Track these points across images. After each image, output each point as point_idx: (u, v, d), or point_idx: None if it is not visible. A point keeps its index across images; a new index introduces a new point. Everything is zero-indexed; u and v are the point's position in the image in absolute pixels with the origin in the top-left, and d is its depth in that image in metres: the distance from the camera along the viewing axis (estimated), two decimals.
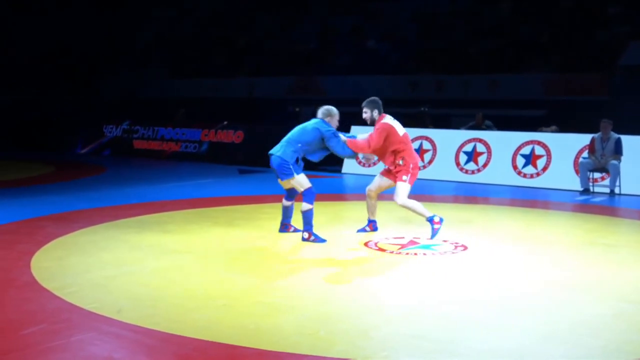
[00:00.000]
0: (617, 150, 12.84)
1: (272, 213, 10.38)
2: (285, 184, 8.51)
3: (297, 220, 8.88)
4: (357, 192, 13.03)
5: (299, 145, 8.43)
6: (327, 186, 14.45)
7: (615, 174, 12.76)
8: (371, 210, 9.04)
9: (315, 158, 8.74)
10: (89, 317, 5.43)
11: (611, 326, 5.37)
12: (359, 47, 24.28)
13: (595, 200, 12.34)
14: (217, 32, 27.37)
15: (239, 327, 5.23)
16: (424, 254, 7.78)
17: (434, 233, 8.48)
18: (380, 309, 5.77)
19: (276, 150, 8.46)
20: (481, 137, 15.22)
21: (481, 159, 14.86)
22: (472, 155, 14.94)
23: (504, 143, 14.87)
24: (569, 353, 4.76)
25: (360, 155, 8.92)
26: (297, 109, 21.17)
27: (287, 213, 8.92)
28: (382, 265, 7.34)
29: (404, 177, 8.51)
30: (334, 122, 8.66)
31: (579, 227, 10.08)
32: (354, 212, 10.45)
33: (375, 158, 8.87)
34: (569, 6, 21.45)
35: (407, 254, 7.77)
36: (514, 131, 15.16)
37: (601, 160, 12.96)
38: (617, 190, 12.81)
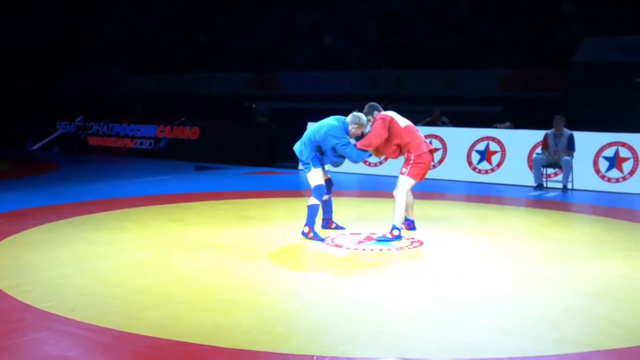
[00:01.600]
0: (570, 146, 13.05)
1: (229, 210, 10.38)
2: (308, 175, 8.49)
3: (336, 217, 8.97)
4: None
5: (313, 145, 8.35)
6: (286, 182, 14.48)
7: (567, 170, 12.97)
8: (407, 210, 8.70)
9: (328, 162, 8.49)
10: (43, 316, 5.38)
11: (567, 319, 5.47)
12: (319, 44, 24.30)
13: (549, 196, 12.54)
14: (178, 29, 27.17)
15: (197, 325, 5.23)
16: (381, 249, 7.84)
17: (384, 239, 8.19)
18: (339, 305, 5.81)
19: (297, 149, 8.49)
20: (437, 133, 15.36)
21: (437, 155, 14.99)
22: None
23: (459, 139, 15.02)
24: (526, 347, 4.85)
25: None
26: (254, 106, 21.13)
27: (326, 207, 8.85)
28: (340, 262, 7.38)
29: (403, 170, 8.37)
30: (357, 132, 8.34)
31: (533, 222, 10.24)
32: None
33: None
34: (527, 4, 21.73)
35: (363, 250, 7.82)
36: (469, 127, 15.31)
37: (554, 156, 13.17)
38: (569, 186, 13.02)
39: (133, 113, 21.02)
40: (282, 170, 16.30)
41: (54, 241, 8.04)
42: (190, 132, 18.83)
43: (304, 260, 7.47)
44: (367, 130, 8.44)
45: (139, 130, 19.73)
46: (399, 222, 8.25)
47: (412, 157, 8.33)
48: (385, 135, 8.26)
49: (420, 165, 8.34)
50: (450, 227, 9.35)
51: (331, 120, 8.35)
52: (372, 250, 7.80)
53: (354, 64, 22.71)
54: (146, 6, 28.20)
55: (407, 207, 8.65)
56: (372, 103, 8.60)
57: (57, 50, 27.90)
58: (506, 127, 15.36)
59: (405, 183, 8.33)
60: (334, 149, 8.22)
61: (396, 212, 8.25)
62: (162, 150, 18.98)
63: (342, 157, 8.37)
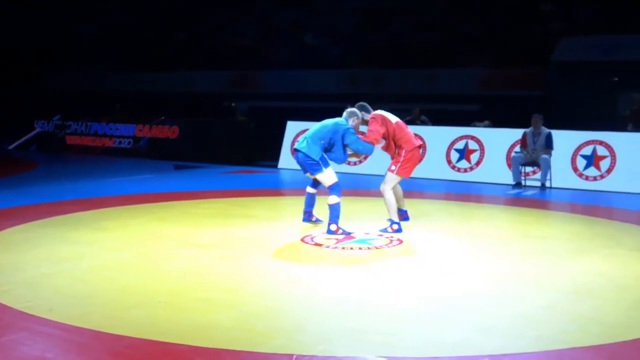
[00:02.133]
0: (548, 145, 13.14)
1: (209, 209, 10.35)
2: (314, 177, 8.68)
3: (317, 211, 9.09)
4: (295, 187, 13.07)
5: (322, 142, 8.49)
6: (265, 181, 14.46)
7: (546, 168, 13.06)
8: (398, 201, 9.01)
9: (333, 158, 8.65)
10: (21, 317, 5.33)
11: (546, 317, 5.51)
12: (299, 42, 24.31)
13: (527, 194, 12.62)
14: (158, 27, 27.06)
15: (176, 324, 5.21)
16: (360, 248, 7.85)
17: (384, 230, 8.68)
18: (319, 303, 5.81)
19: (302, 147, 8.51)
20: (416, 132, 15.38)
21: None
22: None
23: (439, 138, 15.08)
24: (506, 344, 4.87)
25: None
26: (233, 104, 21.11)
27: (310, 201, 8.99)
28: (320, 260, 7.38)
29: (393, 167, 8.68)
30: (355, 122, 8.72)
31: (512, 220, 10.30)
32: (294, 207, 10.47)
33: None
34: (505, 2, 21.86)
35: (343, 248, 7.82)
36: (449, 126, 15.37)
37: (532, 155, 13.25)
38: (548, 184, 13.11)
39: (112, 112, 20.90)
40: (262, 169, 16.29)
41: (32, 241, 7.98)
42: (170, 131, 18.75)
43: (284, 259, 7.46)
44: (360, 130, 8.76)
45: (117, 129, 19.62)
46: (395, 216, 8.67)
47: (403, 154, 8.66)
48: (383, 130, 8.58)
49: (410, 163, 8.72)
50: (429, 226, 9.38)
51: (335, 120, 8.62)
52: (351, 249, 7.81)
53: (334, 63, 22.75)
54: (126, 4, 28.06)
55: (398, 199, 8.98)
56: (362, 103, 8.92)
57: (35, 48, 27.68)
58: (485, 126, 15.45)
59: (393, 179, 8.70)
60: (344, 145, 8.51)
61: (389, 207, 8.67)
62: (142, 150, 18.88)
63: (345, 155, 8.62)
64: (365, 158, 8.90)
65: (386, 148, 8.84)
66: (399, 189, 9.02)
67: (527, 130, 13.39)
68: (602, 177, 13.22)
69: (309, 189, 8.96)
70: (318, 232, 8.65)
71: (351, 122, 8.67)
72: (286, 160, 16.30)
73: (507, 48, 20.70)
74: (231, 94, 23.30)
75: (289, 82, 22.63)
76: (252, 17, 26.14)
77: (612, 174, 13.17)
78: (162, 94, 24.15)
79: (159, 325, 5.18)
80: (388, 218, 8.76)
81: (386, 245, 8.02)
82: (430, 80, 20.95)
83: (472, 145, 14.60)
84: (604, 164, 13.21)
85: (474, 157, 14.50)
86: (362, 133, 8.80)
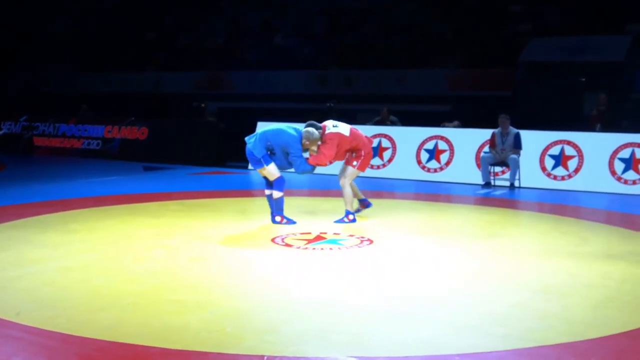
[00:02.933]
0: (517, 145, 13.25)
1: (177, 210, 10.30)
2: (260, 171, 9.19)
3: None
4: (263, 188, 13.05)
5: (268, 143, 8.99)
6: (235, 182, 14.42)
7: (515, 168, 13.16)
8: (355, 193, 9.66)
9: (277, 164, 9.10)
10: None
11: (514, 315, 5.55)
12: (268, 42, 24.28)
13: (496, 194, 12.72)
14: (126, 26, 26.86)
15: (145, 326, 5.17)
16: (331, 248, 7.85)
17: (341, 220, 9.33)
18: (289, 304, 5.80)
19: (249, 142, 9.05)
20: (386, 132, 15.45)
21: (386, 154, 15.10)
22: (377, 151, 15.14)
23: (409, 138, 15.14)
24: (475, 343, 4.90)
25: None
26: (203, 105, 21.01)
27: (271, 203, 9.32)
28: (290, 261, 7.38)
29: (354, 163, 9.37)
30: (309, 146, 9.09)
31: (481, 219, 10.37)
32: (264, 208, 10.45)
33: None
34: (474, 4, 22.00)
35: (314, 249, 7.83)
36: (418, 127, 15.43)
37: (501, 155, 13.35)
38: (516, 184, 13.22)
39: (78, 113, 20.68)
40: (232, 170, 16.23)
41: None
42: (139, 132, 18.61)
43: (253, 260, 7.45)
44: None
45: (86, 130, 19.41)
46: (351, 207, 9.41)
47: (363, 154, 9.38)
48: (334, 155, 9.21)
49: (368, 160, 9.53)
50: (399, 225, 9.41)
51: (290, 130, 9.05)
52: (322, 249, 7.81)
53: (304, 63, 22.74)
54: (93, 2, 27.82)
55: (356, 192, 9.69)
56: (312, 122, 9.32)
57: (3, 48, 27.32)
58: (454, 126, 15.53)
59: (353, 174, 9.45)
60: (286, 154, 9.03)
61: (347, 199, 9.40)
62: (114, 151, 18.70)
63: (288, 163, 9.15)
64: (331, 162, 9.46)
65: (341, 157, 9.43)
66: (354, 183, 9.64)
67: (496, 130, 13.48)
68: (570, 176, 13.36)
69: (267, 192, 9.35)
70: (288, 232, 8.64)
71: (304, 141, 9.03)
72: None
73: (476, 49, 20.85)
74: (200, 95, 23.20)
75: (258, 83, 22.59)
76: (221, 17, 26.06)
77: (579, 173, 13.32)
78: (130, 95, 23.97)
79: (128, 327, 5.14)
80: (346, 210, 9.39)
81: (356, 245, 8.03)
82: (400, 81, 21.02)
83: (442, 145, 14.68)
84: (572, 164, 13.36)
85: (444, 157, 14.58)
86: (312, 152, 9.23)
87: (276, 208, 9.12)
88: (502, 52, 19.96)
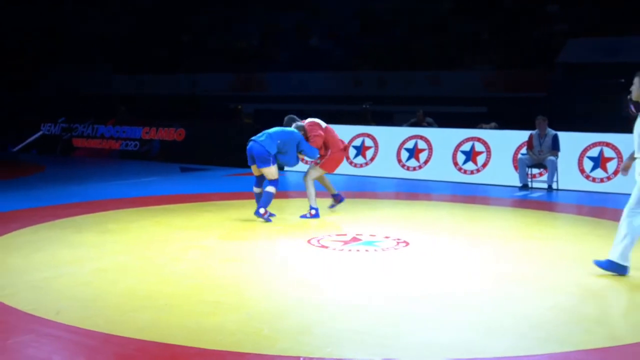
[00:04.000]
0: (555, 147, 13.10)
1: (213, 211, 10.34)
2: (258, 170, 9.51)
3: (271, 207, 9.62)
4: (301, 190, 13.06)
5: (278, 142, 9.41)
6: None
7: (552, 170, 13.01)
8: (327, 188, 10.25)
9: (286, 160, 9.68)
10: (27, 319, 5.33)
11: (550, 318, 5.48)
12: (302, 44, 24.31)
13: (534, 196, 12.58)
14: (160, 28, 27.09)
15: (181, 327, 5.20)
16: (367, 250, 7.83)
17: (305, 216, 9.79)
18: (324, 305, 5.79)
19: (261, 140, 9.35)
20: (422, 134, 15.37)
21: (422, 156, 15.02)
22: (413, 152, 15.08)
23: (445, 140, 15.04)
24: (512, 346, 4.85)
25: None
26: (239, 107, 21.10)
27: (259, 199, 9.58)
28: (325, 262, 7.37)
29: (318, 161, 9.97)
30: (302, 133, 9.80)
31: (518, 221, 10.27)
32: (300, 209, 10.46)
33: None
34: (509, 4, 21.83)
35: (349, 250, 7.81)
36: (455, 128, 15.33)
37: (539, 156, 13.21)
38: (554, 186, 13.07)
39: (116, 114, 20.88)
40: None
41: (37, 244, 7.97)
42: (176, 134, 18.74)
43: (289, 261, 7.45)
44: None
45: (124, 131, 19.60)
46: (314, 203, 9.78)
47: (329, 153, 9.92)
48: (323, 134, 9.84)
49: (334, 161, 10.02)
50: (435, 228, 9.36)
51: (287, 129, 9.71)
52: (357, 251, 7.79)
53: (338, 65, 22.73)
54: (130, 6, 28.09)
55: (329, 188, 10.22)
56: (291, 115, 10.12)
57: (37, 48, 27.69)
58: (491, 128, 15.39)
59: (316, 172, 9.96)
60: (298, 151, 9.65)
61: (310, 196, 9.78)
62: (154, 153, 18.81)
63: (297, 159, 9.77)
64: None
65: (321, 149, 9.98)
66: (327, 179, 10.20)
67: (534, 132, 13.35)
68: (609, 178, 13.17)
69: (255, 189, 9.72)
70: (324, 234, 8.64)
71: (301, 132, 9.79)
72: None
73: (511, 49, 20.67)
74: (234, 96, 23.29)
75: (292, 84, 22.63)
76: (255, 19, 26.15)
77: (619, 175, 13.09)
78: (164, 96, 24.14)
79: (163, 328, 5.17)
80: (310, 206, 9.77)
81: (392, 247, 8.00)
82: (435, 82, 20.92)
83: (479, 147, 14.56)
84: (611, 166, 13.15)
85: (481, 159, 14.45)
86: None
87: (263, 201, 9.35)
88: (538, 53, 19.76)
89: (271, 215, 9.50)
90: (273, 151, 9.34)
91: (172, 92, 24.58)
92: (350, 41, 23.63)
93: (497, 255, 7.70)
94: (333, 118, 17.92)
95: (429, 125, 16.19)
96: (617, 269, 6.67)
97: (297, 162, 9.85)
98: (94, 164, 18.05)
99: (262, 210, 9.30)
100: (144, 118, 19.98)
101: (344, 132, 16.10)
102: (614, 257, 6.70)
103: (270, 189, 9.35)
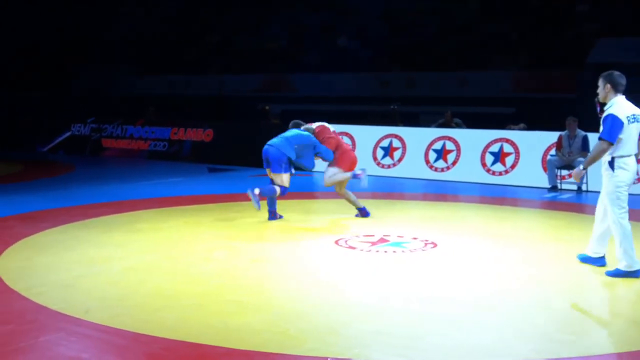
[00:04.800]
0: (585, 148, 12.97)
1: (241, 211, 10.37)
2: (273, 174, 9.41)
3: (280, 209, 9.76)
4: (329, 190, 13.05)
5: (296, 146, 9.40)
6: (297, 184, 14.44)
7: None
8: (352, 201, 9.99)
9: (303, 162, 9.63)
10: (57, 317, 5.39)
11: (578, 321, 5.43)
12: (330, 45, 24.31)
13: (563, 197, 12.47)
14: (187, 28, 27.24)
15: (208, 326, 5.22)
16: (394, 251, 7.81)
17: (358, 215, 9.89)
18: (351, 306, 5.79)
19: (278, 144, 9.33)
20: (450, 135, 15.30)
21: (450, 157, 14.95)
22: (441, 153, 15.02)
23: (473, 141, 14.95)
24: (538, 349, 4.81)
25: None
26: (267, 107, 21.15)
27: (272, 201, 9.54)
28: (353, 263, 7.36)
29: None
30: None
31: (546, 223, 10.19)
32: (328, 210, 10.47)
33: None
34: (538, 3, 21.66)
35: (377, 251, 7.80)
36: (483, 129, 15.25)
37: (569, 158, 13.09)
38: (584, 187, 12.95)
39: (145, 115, 21.03)
40: (295, 172, 16.23)
41: (66, 243, 8.06)
42: (204, 134, 18.84)
43: (315, 262, 7.45)
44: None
45: (153, 132, 19.73)
46: (359, 203, 9.98)
47: (339, 153, 9.87)
48: (335, 136, 9.97)
49: (349, 159, 9.94)
50: (464, 229, 9.31)
51: (302, 133, 9.64)
52: (385, 252, 7.78)
53: (365, 65, 22.70)
54: (159, 6, 28.28)
55: (350, 199, 10.00)
56: (296, 120, 10.15)
57: (65, 49, 27.97)
58: (520, 129, 15.28)
59: (340, 175, 9.79)
60: (315, 153, 9.61)
61: (352, 201, 9.93)
62: (186, 154, 18.91)
63: (313, 162, 9.76)
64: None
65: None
66: (346, 193, 10.00)
67: (563, 132, 13.23)
68: (639, 180, 13.01)
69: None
70: (351, 235, 8.63)
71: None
72: (320, 163, 16.28)
73: (541, 50, 20.50)
74: (262, 97, 23.35)
75: (320, 85, 22.63)
76: (283, 19, 26.20)
77: None
78: (193, 97, 24.26)
79: (191, 327, 5.20)
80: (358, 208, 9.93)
81: (420, 248, 7.97)
82: (463, 83, 20.82)
83: (508, 148, 14.46)
84: None
85: (509, 160, 14.35)
86: None
87: (265, 189, 9.31)
88: (568, 53, 19.58)
89: (279, 216, 9.46)
90: (292, 156, 9.36)
91: (200, 93, 24.70)
92: (377, 42, 23.59)
93: (525, 258, 7.64)
94: (360, 119, 17.95)
95: (457, 126, 16.11)
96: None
97: (314, 166, 9.85)
98: (123, 164, 18.19)
99: (257, 190, 9.19)
100: (172, 119, 20.11)
101: (372, 133, 16.17)
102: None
103: (276, 188, 9.36)
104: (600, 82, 6.98)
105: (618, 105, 6.82)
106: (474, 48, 21.47)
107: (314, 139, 9.65)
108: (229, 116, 21.76)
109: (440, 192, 13.11)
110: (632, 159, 6.86)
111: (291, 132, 9.63)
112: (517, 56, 20.91)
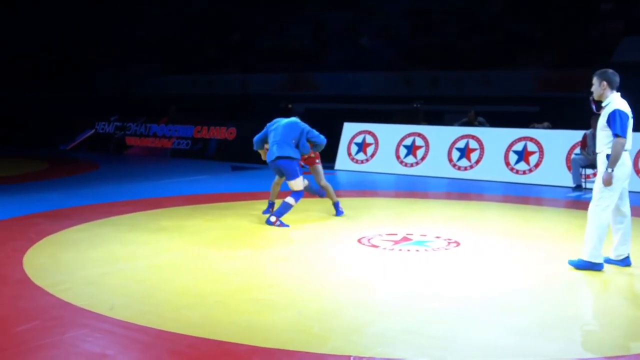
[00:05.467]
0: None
1: (263, 209, 10.38)
2: (289, 181, 9.24)
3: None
4: (352, 189, 13.05)
5: (293, 141, 9.15)
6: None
7: None
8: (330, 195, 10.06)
9: (301, 150, 9.37)
10: (82, 314, 5.43)
11: (604, 321, 5.39)
12: (353, 44, 24.28)
13: (587, 197, 12.32)
14: (210, 28, 27.32)
15: (232, 324, 5.24)
16: (417, 250, 7.79)
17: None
18: (374, 305, 5.79)
19: (282, 152, 9.12)
20: (474, 133, 15.23)
21: (474, 156, 14.88)
22: (465, 152, 14.95)
23: (497, 139, 14.88)
24: (563, 349, 4.78)
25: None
26: (290, 106, 21.17)
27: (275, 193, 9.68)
28: (376, 262, 7.35)
29: (317, 160, 9.96)
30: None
31: (571, 223, 10.10)
32: (351, 208, 10.44)
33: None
34: (562, 2, 21.49)
35: (400, 250, 7.78)
36: (507, 128, 15.16)
37: (593, 157, 12.95)
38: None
39: (168, 113, 21.13)
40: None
41: (91, 240, 8.12)
42: (227, 133, 18.90)
43: (339, 260, 7.45)
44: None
45: (176, 130, 19.83)
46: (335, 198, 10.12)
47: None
48: None
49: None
50: (487, 228, 9.27)
51: (291, 120, 9.45)
52: (408, 250, 7.76)
53: (389, 64, 22.64)
54: (181, 6, 28.39)
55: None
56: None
57: (88, 48, 28.17)
58: (544, 127, 15.17)
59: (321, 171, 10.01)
60: (308, 140, 9.33)
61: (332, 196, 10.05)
62: (211, 153, 18.96)
63: (308, 147, 9.42)
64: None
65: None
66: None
67: (588, 131, 13.12)
68: None
69: (277, 180, 9.71)
70: (374, 233, 8.62)
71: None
72: (343, 162, 16.29)
73: (565, 48, 20.34)
74: (286, 96, 23.35)
75: (343, 84, 22.59)
76: (306, 18, 26.20)
77: None
78: (216, 96, 24.32)
79: (215, 325, 5.22)
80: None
81: (443, 247, 7.94)
82: (487, 82, 20.69)
83: (531, 147, 14.36)
84: None
85: (533, 159, 14.25)
86: None
87: (279, 211, 9.16)
88: (593, 52, 19.40)
89: (283, 225, 9.11)
90: (297, 155, 9.23)
91: (223, 91, 24.76)
92: (401, 41, 23.52)
93: (548, 257, 7.58)
94: (384, 117, 17.90)
95: (481, 124, 16.03)
96: None
97: (309, 150, 9.50)
98: (147, 162, 18.29)
99: (273, 219, 9.08)
100: (195, 117, 20.19)
101: (394, 132, 16.14)
102: None
103: (290, 200, 9.19)
104: (595, 80, 7.07)
105: (617, 102, 6.86)
106: (498, 47, 21.34)
107: (302, 124, 9.39)
108: (252, 115, 21.79)
109: (464, 191, 13.05)
110: (627, 155, 6.85)
111: (279, 130, 9.30)
112: (541, 55, 20.75)
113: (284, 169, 9.17)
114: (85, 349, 4.77)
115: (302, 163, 9.56)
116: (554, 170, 13.94)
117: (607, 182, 6.87)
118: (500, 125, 15.54)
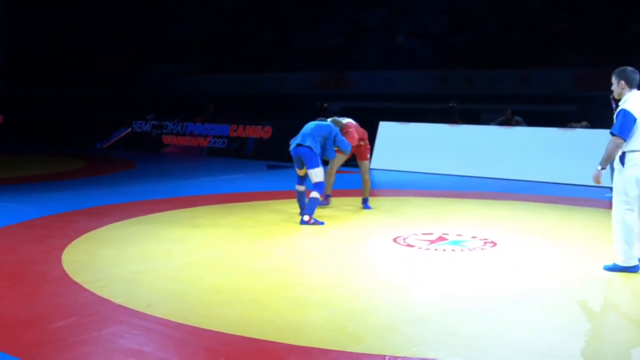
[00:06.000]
0: None
1: (299, 208, 10.39)
2: (303, 171, 9.39)
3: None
4: (387, 188, 13.02)
5: (320, 139, 9.35)
6: (356, 182, 14.43)
7: None
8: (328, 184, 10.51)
9: (326, 154, 9.55)
10: (119, 310, 5.49)
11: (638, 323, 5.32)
12: (389, 42, 24.22)
13: None
14: (245, 27, 27.43)
15: (267, 322, 5.26)
16: (453, 250, 7.75)
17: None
18: (409, 304, 5.77)
19: (304, 141, 9.23)
20: (511, 132, 15.08)
21: (510, 155, 14.72)
22: (501, 151, 14.80)
23: (534, 139, 14.72)
24: (598, 351, 4.72)
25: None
26: (325, 105, 21.14)
27: (303, 203, 9.44)
28: (411, 261, 7.32)
29: (367, 155, 10.69)
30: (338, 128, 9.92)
31: (607, 223, 9.91)
32: (387, 208, 10.42)
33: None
34: (601, 0, 21.21)
35: (435, 250, 7.74)
36: (544, 127, 14.99)
37: None
38: None
39: (205, 112, 21.25)
40: (354, 169, 16.24)
41: (127, 238, 8.20)
42: (263, 132, 18.96)
43: (374, 259, 7.44)
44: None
45: (212, 129, 19.94)
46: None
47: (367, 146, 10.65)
48: (358, 136, 10.33)
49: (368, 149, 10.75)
50: (524, 228, 9.18)
51: (322, 123, 9.61)
52: (444, 250, 7.72)
53: (424, 63, 22.55)
54: (215, 6, 28.54)
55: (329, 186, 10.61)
56: (335, 118, 10.28)
57: (126, 48, 28.45)
58: (583, 127, 14.99)
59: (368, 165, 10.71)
60: (334, 142, 9.51)
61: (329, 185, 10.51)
62: (249, 152, 19.04)
63: (334, 152, 9.65)
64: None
65: (354, 144, 10.26)
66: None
67: None
68: None
69: (298, 187, 9.54)
70: (410, 233, 8.58)
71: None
72: (379, 161, 16.23)
73: (604, 47, 20.07)
74: (321, 95, 23.36)
75: (378, 83, 22.54)
76: (341, 17, 26.19)
77: None
78: (254, 95, 24.42)
79: (250, 323, 5.24)
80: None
81: (479, 247, 7.89)
82: (523, 81, 20.50)
83: (569, 146, 14.18)
84: None
85: (571, 159, 14.03)
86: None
87: (308, 207, 9.16)
88: (632, 50, 19.12)
89: (318, 222, 9.09)
90: (319, 150, 9.32)
91: (258, 90, 24.86)
92: (436, 39, 23.40)
93: (585, 257, 7.50)
94: (419, 116, 17.82)
95: (518, 124, 15.88)
96: None
97: (334, 156, 9.72)
98: (183, 161, 18.42)
99: (306, 218, 9.05)
100: (231, 116, 20.28)
101: (431, 131, 16.06)
102: None
103: (315, 194, 9.20)
104: (614, 79, 6.92)
105: (632, 101, 6.71)
106: (536, 45, 21.13)
107: (333, 127, 9.58)
108: (287, 114, 21.83)
109: (500, 191, 12.93)
110: None
111: (309, 126, 9.52)
112: (579, 54, 20.51)
113: (304, 157, 9.22)
114: (122, 345, 4.82)
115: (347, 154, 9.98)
116: (591, 170, 13.71)
117: (596, 179, 6.82)
118: (537, 125, 15.39)
